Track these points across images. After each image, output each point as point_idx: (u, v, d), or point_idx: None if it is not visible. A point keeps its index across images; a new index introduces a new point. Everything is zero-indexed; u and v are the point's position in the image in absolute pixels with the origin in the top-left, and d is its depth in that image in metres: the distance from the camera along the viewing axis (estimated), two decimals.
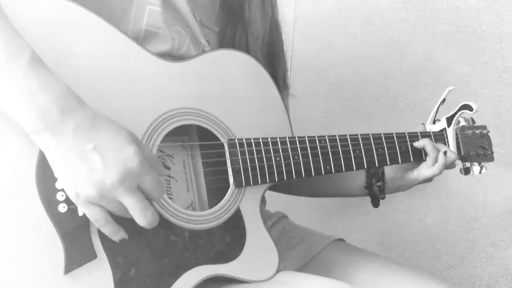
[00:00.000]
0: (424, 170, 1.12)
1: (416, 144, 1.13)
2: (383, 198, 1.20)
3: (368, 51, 1.65)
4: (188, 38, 0.97)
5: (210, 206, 0.96)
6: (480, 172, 1.30)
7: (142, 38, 0.91)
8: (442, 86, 1.57)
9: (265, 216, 0.97)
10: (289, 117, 1.03)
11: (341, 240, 1.16)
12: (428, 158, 1.13)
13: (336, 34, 1.65)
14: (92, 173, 0.69)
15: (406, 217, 1.72)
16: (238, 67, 0.97)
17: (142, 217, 0.73)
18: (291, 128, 1.02)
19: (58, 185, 0.75)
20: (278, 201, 1.25)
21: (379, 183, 1.16)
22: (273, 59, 1.11)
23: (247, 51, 1.06)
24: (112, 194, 0.70)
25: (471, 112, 1.18)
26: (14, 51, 0.68)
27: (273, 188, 1.23)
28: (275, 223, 1.18)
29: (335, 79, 1.67)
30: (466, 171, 1.28)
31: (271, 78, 1.01)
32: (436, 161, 1.13)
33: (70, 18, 0.80)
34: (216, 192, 0.94)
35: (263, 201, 1.13)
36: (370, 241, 1.71)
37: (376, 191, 1.17)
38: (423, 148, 1.14)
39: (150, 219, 0.73)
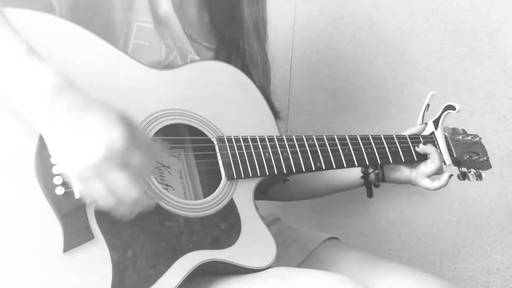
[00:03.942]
0: (423, 180, 1.17)
1: (419, 149, 1.17)
2: (377, 186, 1.22)
3: (367, 52, 1.68)
4: (176, 51, 1.06)
5: (204, 196, 1.00)
6: (478, 180, 1.32)
7: (130, 51, 1.00)
8: (442, 87, 1.61)
9: (257, 206, 1.00)
10: (276, 121, 1.09)
11: (335, 238, 1.16)
12: (432, 165, 1.17)
13: (335, 35, 1.68)
14: (81, 152, 0.73)
15: (404, 216, 1.69)
16: (223, 75, 1.05)
17: (127, 194, 0.74)
18: (279, 130, 1.08)
19: (55, 170, 0.80)
20: (270, 204, 1.25)
21: (376, 171, 1.19)
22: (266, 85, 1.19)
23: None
24: (98, 173, 0.73)
25: (454, 112, 1.22)
26: (12, 39, 0.76)
27: (266, 196, 1.27)
28: (269, 225, 1.19)
29: (334, 80, 1.69)
30: (463, 175, 1.29)
31: (256, 86, 1.08)
32: (439, 172, 1.18)
33: (62, 32, 0.89)
34: (209, 183, 0.98)
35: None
36: (365, 241, 1.67)
37: (372, 179, 1.20)
38: (426, 154, 1.17)
39: (136, 195, 0.75)
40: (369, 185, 1.21)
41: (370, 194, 1.22)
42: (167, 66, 1.04)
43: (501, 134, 1.57)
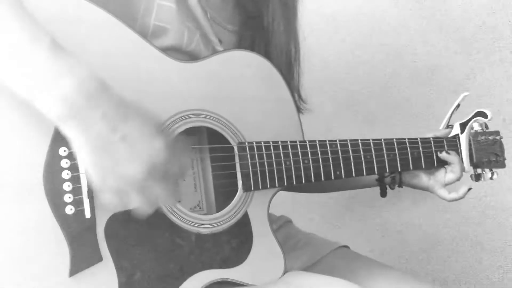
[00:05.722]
0: (441, 190, 1.13)
1: (441, 155, 1.12)
2: (392, 189, 1.19)
3: (377, 55, 1.64)
4: (198, 35, 0.96)
5: (217, 206, 0.96)
6: (491, 178, 1.29)
7: (150, 34, 0.89)
8: (453, 90, 1.58)
9: (271, 219, 0.96)
10: (300, 120, 1.01)
11: (346, 247, 1.15)
12: (452, 175, 1.13)
13: (342, 37, 1.65)
14: (119, 165, 0.67)
15: (412, 224, 1.71)
16: (250, 68, 0.95)
17: (166, 202, 0.79)
18: (302, 130, 1.01)
19: (65, 186, 0.74)
20: (279, 208, 1.24)
21: (393, 175, 1.15)
22: (289, 70, 1.09)
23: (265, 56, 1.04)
24: (138, 187, 0.69)
25: (486, 120, 1.17)
26: (34, 37, 0.67)
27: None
28: (280, 227, 1.17)
29: (342, 83, 1.67)
30: (477, 177, 1.26)
31: (284, 80, 0.99)
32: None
33: (82, 16, 0.79)
34: (224, 191, 0.94)
35: None
36: (374, 250, 1.70)
37: (387, 181, 1.17)
38: (447, 160, 1.13)
39: (174, 202, 0.81)
40: (383, 187, 1.17)
41: (383, 195, 1.18)
42: (190, 53, 0.95)
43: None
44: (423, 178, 1.15)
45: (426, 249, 1.69)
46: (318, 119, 1.62)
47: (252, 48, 1.02)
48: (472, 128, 1.25)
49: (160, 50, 0.86)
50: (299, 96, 1.08)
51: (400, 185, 1.17)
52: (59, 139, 0.73)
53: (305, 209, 1.65)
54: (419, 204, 1.66)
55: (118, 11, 0.83)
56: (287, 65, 1.06)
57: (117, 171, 0.67)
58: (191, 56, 0.95)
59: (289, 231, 1.16)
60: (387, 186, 1.17)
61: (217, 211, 0.96)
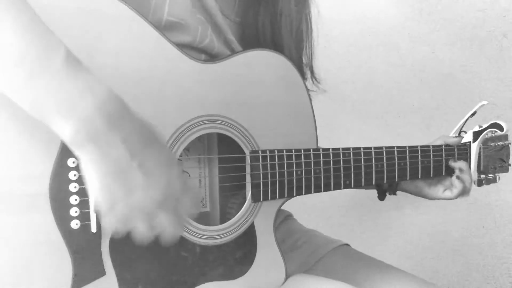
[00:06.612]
0: (445, 193, 1.12)
1: (453, 164, 1.11)
2: (390, 194, 1.18)
3: (382, 55, 1.62)
4: (210, 28, 0.90)
5: (221, 204, 0.93)
6: (494, 182, 1.29)
7: (163, 29, 0.82)
8: (468, 97, 1.56)
9: (275, 228, 0.94)
10: (315, 125, 0.97)
11: (347, 245, 1.14)
12: (456, 183, 1.12)
13: (355, 43, 1.62)
14: (132, 192, 0.63)
15: (414, 224, 1.72)
16: (270, 70, 0.90)
17: (170, 237, 0.69)
18: (317, 136, 0.97)
19: (72, 200, 0.70)
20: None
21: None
22: (299, 48, 1.03)
23: (272, 32, 0.98)
24: (146, 216, 0.65)
25: (502, 132, 1.14)
26: (46, 51, 0.59)
27: None
28: (282, 222, 1.15)
29: (353, 87, 1.65)
30: (479, 182, 1.25)
31: (303, 82, 0.94)
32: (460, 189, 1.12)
33: (99, 8, 0.73)
34: (229, 189, 0.91)
35: None
36: (375, 249, 1.71)
37: (385, 187, 1.16)
38: (455, 169, 1.11)
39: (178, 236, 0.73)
40: (381, 190, 1.15)
41: (381, 198, 1.17)
42: (203, 49, 0.89)
43: None
44: (425, 188, 1.13)
45: (429, 248, 1.71)
46: (320, 120, 1.60)
47: (257, 37, 0.97)
48: (484, 137, 1.23)
49: (179, 49, 0.80)
50: (312, 74, 1.03)
51: (394, 193, 1.15)
52: (68, 148, 0.68)
53: (305, 207, 1.64)
54: (422, 203, 1.66)
55: (131, 6, 0.76)
56: (298, 44, 1.00)
57: (129, 199, 0.63)
58: (204, 52, 0.90)
59: (289, 227, 1.14)
60: (388, 193, 1.16)
61: (221, 209, 0.94)
